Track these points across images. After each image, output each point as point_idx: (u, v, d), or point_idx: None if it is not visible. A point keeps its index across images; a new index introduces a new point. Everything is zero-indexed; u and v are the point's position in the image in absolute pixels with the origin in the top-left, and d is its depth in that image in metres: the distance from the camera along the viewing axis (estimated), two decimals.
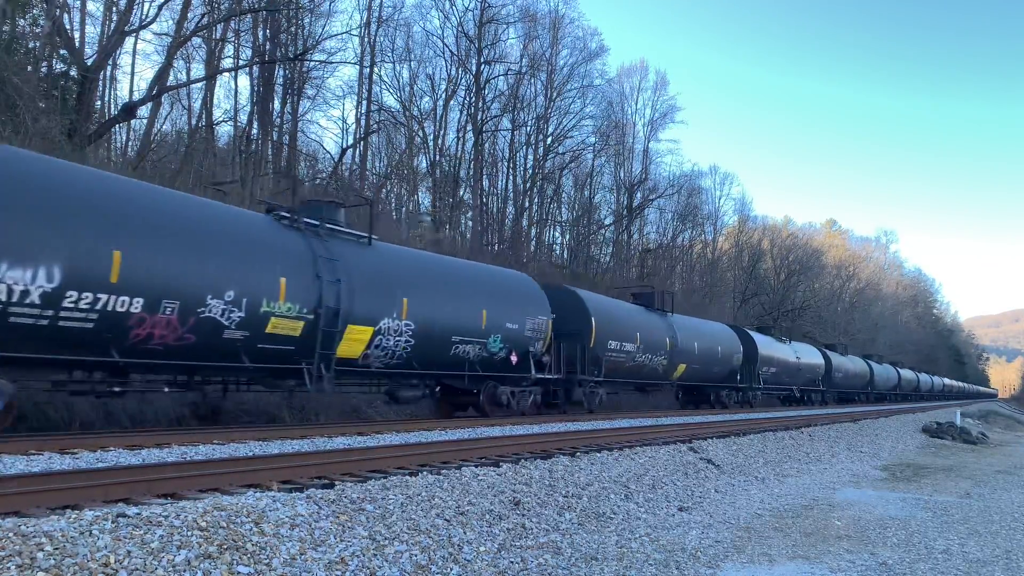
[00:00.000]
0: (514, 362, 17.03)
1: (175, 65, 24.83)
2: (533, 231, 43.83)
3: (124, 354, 10.39)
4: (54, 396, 11.57)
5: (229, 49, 27.73)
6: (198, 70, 27.82)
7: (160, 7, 22.73)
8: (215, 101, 28.39)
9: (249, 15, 26.04)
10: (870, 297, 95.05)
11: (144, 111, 23.49)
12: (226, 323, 11.29)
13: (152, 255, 10.41)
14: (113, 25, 22.33)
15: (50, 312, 9.38)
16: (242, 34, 27.94)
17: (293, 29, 29.42)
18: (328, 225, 13.67)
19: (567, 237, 48.30)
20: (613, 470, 10.18)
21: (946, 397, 79.92)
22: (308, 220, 13.32)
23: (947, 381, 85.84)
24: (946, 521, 9.64)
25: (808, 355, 38.94)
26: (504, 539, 6.83)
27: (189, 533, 4.91)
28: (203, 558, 4.71)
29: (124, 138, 26.14)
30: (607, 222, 50.93)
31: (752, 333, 32.24)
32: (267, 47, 28.65)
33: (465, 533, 6.63)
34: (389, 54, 35.54)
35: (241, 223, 12.41)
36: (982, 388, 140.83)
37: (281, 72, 29.09)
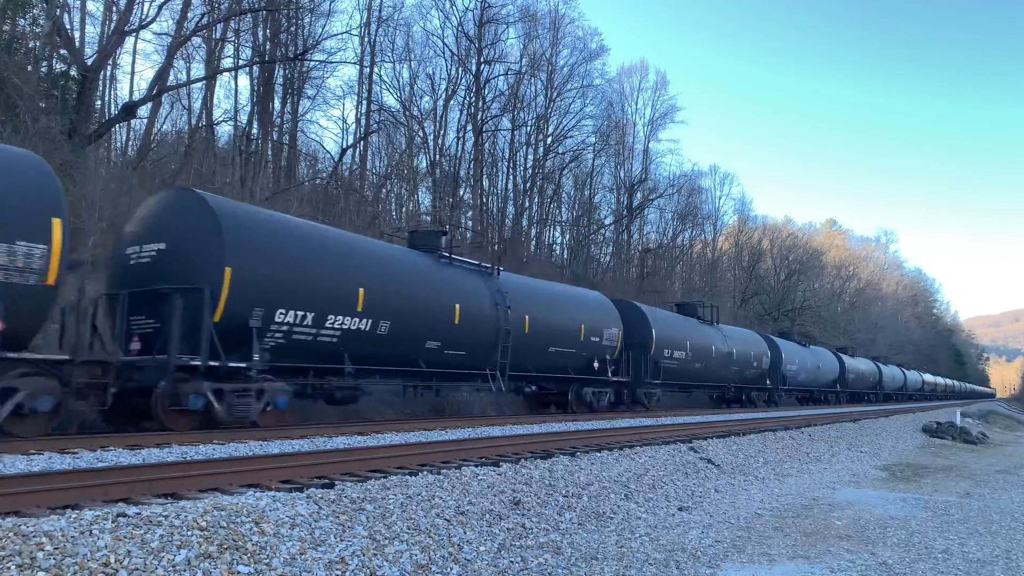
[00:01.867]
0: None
1: (175, 65, 24.81)
2: (533, 231, 43.84)
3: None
4: None
5: (229, 49, 27.72)
6: (198, 70, 27.81)
7: (160, 7, 22.69)
8: (215, 101, 28.37)
9: (249, 15, 26.02)
10: (870, 297, 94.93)
11: (144, 111, 23.47)
12: None
13: None
14: (113, 25, 22.31)
15: None
16: (242, 34, 27.91)
17: (293, 29, 29.38)
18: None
19: (567, 237, 48.28)
20: (613, 470, 10.18)
21: (935, 397, 78.14)
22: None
23: (927, 377, 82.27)
24: (946, 521, 9.64)
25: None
26: (504, 539, 6.83)
27: (189, 533, 4.91)
28: (203, 558, 4.72)
29: (124, 138, 26.10)
30: (607, 222, 50.94)
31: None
32: (267, 47, 28.60)
33: (465, 533, 6.63)
34: (389, 54, 35.48)
35: None
36: (978, 388, 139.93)
37: (281, 72, 29.05)
